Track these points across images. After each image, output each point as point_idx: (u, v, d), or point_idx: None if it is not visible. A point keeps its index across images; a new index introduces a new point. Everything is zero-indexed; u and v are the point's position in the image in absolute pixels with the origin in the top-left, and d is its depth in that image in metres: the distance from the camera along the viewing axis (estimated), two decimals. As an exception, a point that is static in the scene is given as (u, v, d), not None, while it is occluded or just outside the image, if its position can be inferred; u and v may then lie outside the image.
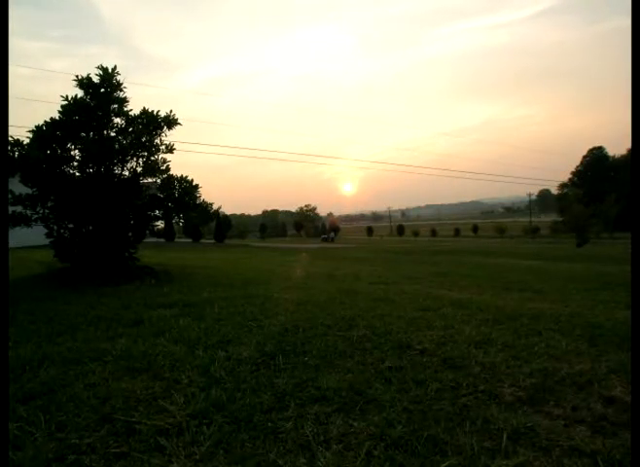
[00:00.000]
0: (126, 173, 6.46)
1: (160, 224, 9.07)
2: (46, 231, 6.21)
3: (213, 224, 34.69)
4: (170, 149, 6.62)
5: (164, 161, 6.56)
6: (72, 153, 6.14)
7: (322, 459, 1.43)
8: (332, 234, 53.49)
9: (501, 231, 74.02)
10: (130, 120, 6.39)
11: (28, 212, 6.00)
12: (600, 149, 70.24)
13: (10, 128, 5.44)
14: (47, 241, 6.35)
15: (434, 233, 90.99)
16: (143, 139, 6.21)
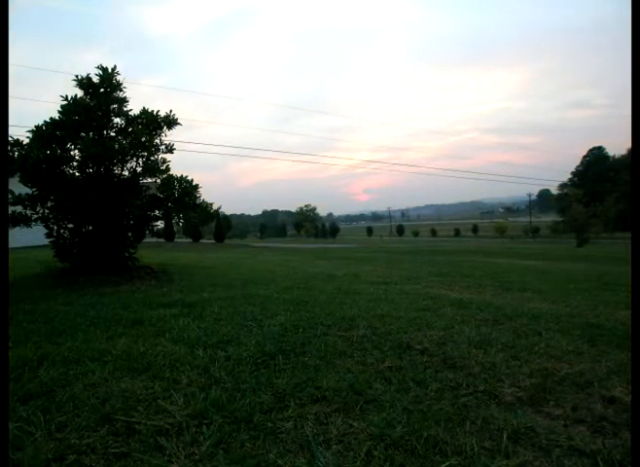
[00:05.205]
0: (126, 173, 6.46)
1: (160, 224, 9.07)
2: (46, 231, 6.21)
3: (213, 224, 34.69)
4: (170, 149, 6.63)
5: (164, 161, 6.57)
6: (72, 153, 6.15)
7: (322, 459, 1.43)
8: None
9: (501, 231, 74.21)
10: (130, 120, 6.39)
11: (28, 212, 6.00)
12: (600, 149, 70.27)
13: (10, 128, 5.44)
14: (47, 241, 6.36)
15: (434, 233, 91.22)
16: (143, 139, 6.21)
